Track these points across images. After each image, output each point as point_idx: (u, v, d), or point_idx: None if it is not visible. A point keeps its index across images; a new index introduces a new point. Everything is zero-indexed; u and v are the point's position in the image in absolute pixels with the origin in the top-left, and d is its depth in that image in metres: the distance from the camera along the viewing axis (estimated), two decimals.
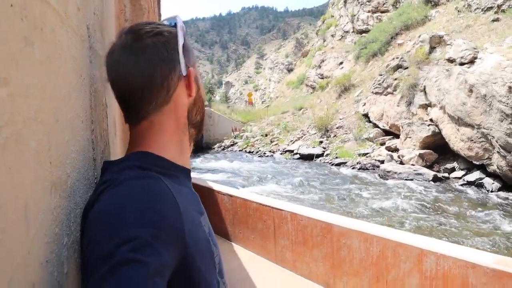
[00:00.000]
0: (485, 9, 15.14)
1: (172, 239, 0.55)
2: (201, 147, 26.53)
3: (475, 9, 15.70)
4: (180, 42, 0.70)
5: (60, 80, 0.53)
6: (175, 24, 0.72)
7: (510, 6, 13.94)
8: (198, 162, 19.77)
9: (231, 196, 4.78)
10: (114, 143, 1.08)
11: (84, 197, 0.64)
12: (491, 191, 10.27)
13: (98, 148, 0.80)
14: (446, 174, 12.04)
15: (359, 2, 28.68)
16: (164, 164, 0.67)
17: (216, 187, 5.07)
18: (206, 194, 4.99)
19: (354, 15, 28.82)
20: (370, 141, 16.24)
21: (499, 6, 14.46)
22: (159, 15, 7.60)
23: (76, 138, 0.61)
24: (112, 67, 0.68)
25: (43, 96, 0.46)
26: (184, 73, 0.70)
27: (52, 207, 0.49)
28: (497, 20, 13.90)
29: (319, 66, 29.66)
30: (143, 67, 0.66)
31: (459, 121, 11.38)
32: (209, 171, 16.40)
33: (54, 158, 0.49)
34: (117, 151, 1.09)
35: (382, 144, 15.41)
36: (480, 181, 10.84)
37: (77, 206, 0.60)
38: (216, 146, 26.77)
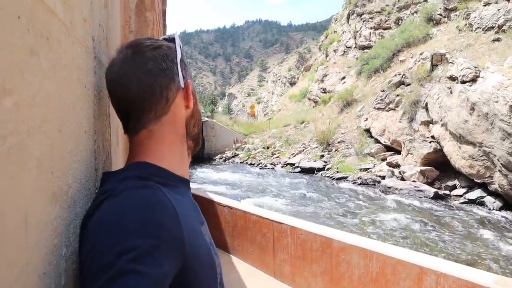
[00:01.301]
0: (486, 28, 15.28)
1: (172, 248, 0.55)
2: (202, 158, 26.54)
3: (476, 29, 15.85)
4: (178, 55, 0.74)
5: (65, 90, 0.54)
6: (173, 39, 0.77)
7: (511, 27, 14.06)
8: (199, 173, 19.74)
9: (231, 208, 4.76)
10: (116, 153, 1.08)
11: (84, 207, 0.63)
12: (492, 210, 10.21)
13: (100, 158, 0.80)
14: (447, 192, 11.98)
15: (361, 19, 29.02)
16: (164, 174, 0.68)
17: (216, 198, 5.05)
18: (206, 205, 4.97)
19: (357, 31, 29.14)
20: (372, 156, 16.23)
21: (499, 26, 14.60)
22: (164, 26, 7.68)
23: (79, 148, 0.61)
24: (113, 79, 0.70)
25: (48, 106, 0.46)
26: (182, 85, 0.74)
27: (52, 218, 0.48)
28: (497, 40, 14.01)
29: (322, 81, 29.85)
30: (143, 78, 0.68)
31: (460, 139, 11.38)
32: (209, 182, 16.36)
33: (56, 168, 0.49)
34: (119, 161, 1.09)
35: (384, 159, 15.39)
36: (481, 200, 10.78)
37: (77, 217, 0.60)
38: (217, 157, 26.79)
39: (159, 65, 0.70)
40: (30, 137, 0.41)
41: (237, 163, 23.89)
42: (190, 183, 0.78)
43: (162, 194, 0.59)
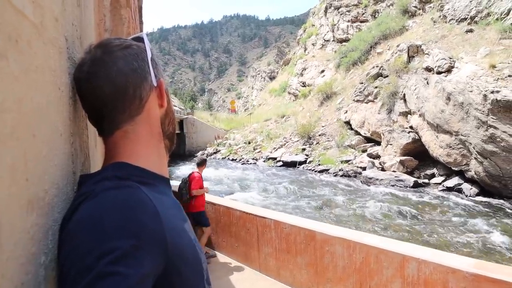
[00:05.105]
0: (459, 20, 15.65)
1: (154, 248, 0.55)
2: (183, 155, 26.33)
3: (450, 20, 16.21)
4: (149, 54, 0.73)
5: (38, 93, 0.52)
6: (142, 39, 0.76)
7: (482, 18, 14.44)
8: (180, 170, 19.58)
9: (214, 204, 4.75)
10: (94, 155, 1.05)
11: (63, 213, 0.62)
12: (470, 196, 10.54)
13: (78, 161, 0.78)
14: (426, 180, 12.30)
15: (339, 12, 29.25)
16: (142, 173, 0.67)
17: None
18: None
19: (334, 25, 29.38)
20: (352, 148, 16.46)
21: (472, 18, 14.97)
22: (141, 23, 7.54)
23: (55, 152, 0.59)
24: (83, 80, 0.68)
25: (19, 110, 0.44)
26: (155, 84, 0.73)
27: (28, 226, 0.47)
28: (470, 31, 14.37)
29: (301, 74, 30.01)
30: (115, 77, 0.67)
31: (438, 128, 11.67)
32: None
33: (30, 175, 0.48)
34: (98, 164, 1.06)
35: (364, 151, 15.64)
36: (459, 187, 11.12)
37: (55, 223, 0.58)
38: (199, 154, 26.62)
39: (130, 64, 0.69)
40: (2, 144, 0.39)
41: (219, 159, 23.84)
42: (172, 181, 0.78)
43: (142, 193, 0.58)
